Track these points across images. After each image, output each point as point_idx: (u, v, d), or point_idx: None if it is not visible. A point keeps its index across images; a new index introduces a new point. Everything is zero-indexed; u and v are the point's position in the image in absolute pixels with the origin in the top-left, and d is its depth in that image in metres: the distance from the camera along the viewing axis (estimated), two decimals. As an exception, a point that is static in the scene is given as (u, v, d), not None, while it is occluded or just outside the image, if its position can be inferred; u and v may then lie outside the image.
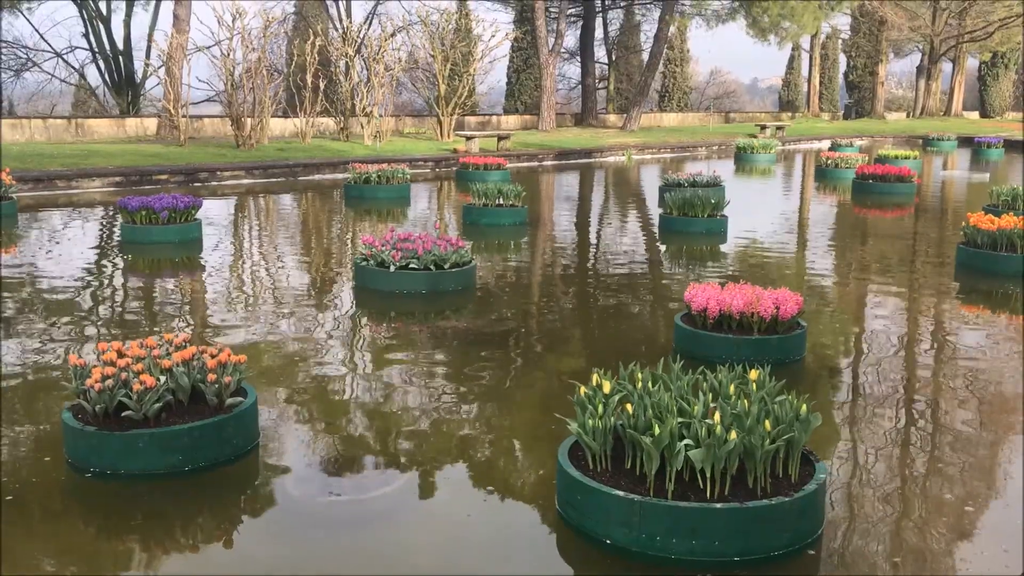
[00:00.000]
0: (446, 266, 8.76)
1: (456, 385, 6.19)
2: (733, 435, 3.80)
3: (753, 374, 4.48)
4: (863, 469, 4.81)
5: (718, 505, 3.76)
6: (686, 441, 3.82)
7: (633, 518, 3.79)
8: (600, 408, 4.10)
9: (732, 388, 4.34)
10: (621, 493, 3.84)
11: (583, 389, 4.30)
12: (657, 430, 3.83)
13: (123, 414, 4.59)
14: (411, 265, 8.68)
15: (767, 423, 3.94)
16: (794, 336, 6.59)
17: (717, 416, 3.93)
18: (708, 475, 3.83)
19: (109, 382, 4.60)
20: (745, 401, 4.14)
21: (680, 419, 3.97)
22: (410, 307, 8.43)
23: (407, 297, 8.60)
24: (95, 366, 4.75)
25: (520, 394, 6.10)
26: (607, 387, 4.25)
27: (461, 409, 5.70)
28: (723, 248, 11.94)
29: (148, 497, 4.41)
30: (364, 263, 8.88)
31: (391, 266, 8.66)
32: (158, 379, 4.69)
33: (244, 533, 4.15)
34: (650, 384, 4.37)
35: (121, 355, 4.93)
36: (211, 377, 4.77)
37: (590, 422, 4.05)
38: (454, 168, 22.03)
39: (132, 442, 4.53)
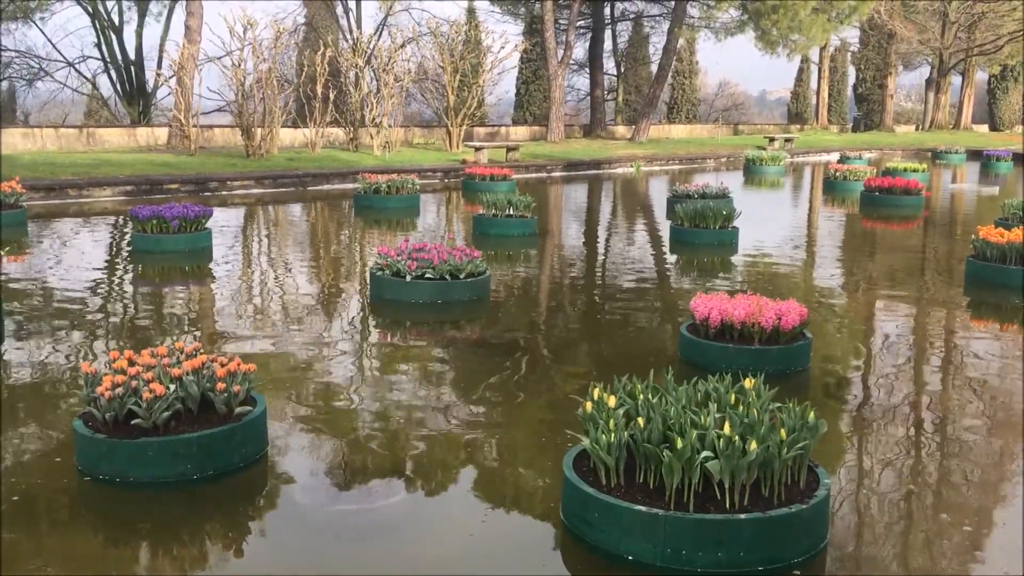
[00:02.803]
0: (461, 276, 8.79)
1: (467, 395, 6.20)
2: (754, 445, 3.81)
3: (748, 383, 4.49)
4: (865, 478, 4.81)
5: (742, 516, 3.77)
6: (705, 453, 3.83)
7: (658, 533, 3.78)
8: (611, 423, 4.09)
9: (733, 398, 4.35)
10: (644, 508, 3.83)
11: (589, 404, 4.30)
12: (680, 443, 3.83)
13: (133, 422, 4.61)
14: (426, 275, 8.72)
15: (782, 432, 3.95)
16: (796, 347, 6.60)
17: (727, 427, 3.94)
18: (726, 486, 3.84)
19: (119, 390, 4.63)
20: (755, 410, 4.14)
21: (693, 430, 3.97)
22: (425, 316, 8.46)
23: (422, 307, 8.62)
24: (106, 374, 4.77)
25: (531, 405, 6.10)
26: (612, 401, 4.24)
27: (470, 420, 5.70)
28: (733, 260, 11.94)
29: (157, 505, 4.43)
30: (380, 273, 8.92)
31: (407, 276, 8.69)
32: (168, 387, 4.71)
33: (252, 541, 4.16)
34: (650, 396, 4.36)
35: (132, 363, 4.95)
36: (220, 386, 4.79)
37: (603, 437, 4.04)
38: (462, 179, 22.09)
39: (141, 450, 4.55)
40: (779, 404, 4.32)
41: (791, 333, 6.59)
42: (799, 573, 3.81)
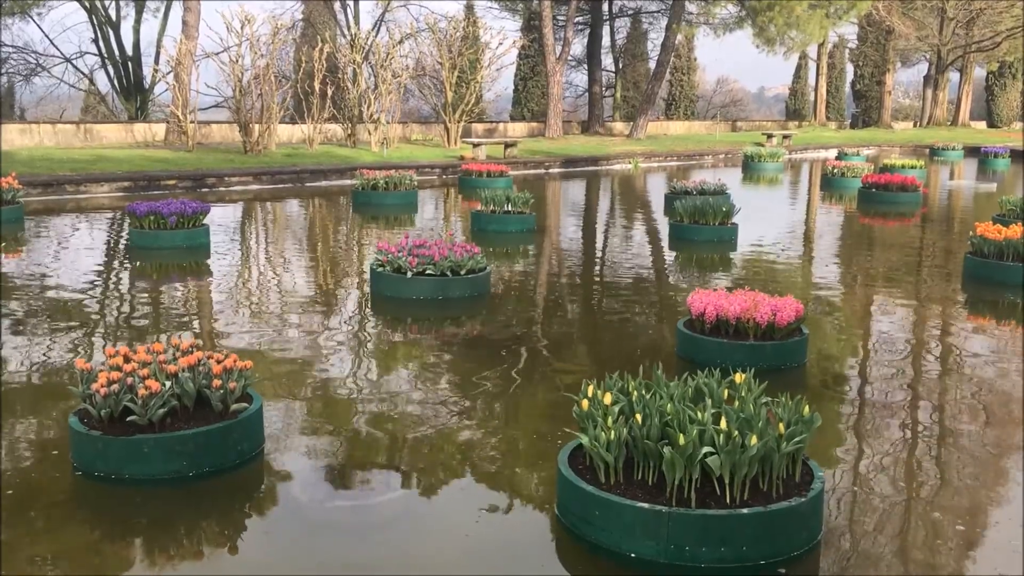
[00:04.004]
0: (462, 272, 8.79)
1: (466, 392, 6.19)
2: (754, 440, 3.81)
3: (738, 377, 4.49)
4: (860, 472, 4.80)
5: (745, 511, 3.78)
6: (706, 449, 3.83)
7: (661, 530, 3.78)
8: (610, 420, 4.08)
9: (726, 393, 4.36)
10: (647, 505, 3.82)
11: (585, 403, 4.29)
12: (683, 440, 3.83)
13: (128, 419, 4.59)
14: (427, 271, 8.71)
15: (780, 426, 3.96)
16: (791, 343, 6.60)
17: (723, 422, 3.94)
18: (726, 481, 3.84)
19: (115, 387, 4.61)
20: (750, 405, 4.15)
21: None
22: (426, 313, 8.45)
23: (423, 303, 8.62)
24: (101, 371, 4.75)
25: (529, 402, 6.09)
26: (608, 398, 4.23)
27: (469, 416, 5.69)
28: (732, 256, 11.94)
29: (153, 502, 4.42)
30: (381, 269, 8.91)
31: (408, 272, 8.68)
32: (163, 384, 4.70)
33: (248, 539, 4.15)
34: (644, 392, 4.36)
35: (127, 360, 4.94)
36: (216, 383, 4.78)
37: (603, 435, 4.02)
38: (459, 175, 22.07)
39: (137, 447, 4.53)
40: (769, 399, 4.32)
41: (787, 329, 6.59)
42: (784, 571, 3.81)
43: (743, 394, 4.32)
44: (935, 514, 4.41)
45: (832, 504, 4.40)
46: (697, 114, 53.27)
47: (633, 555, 3.84)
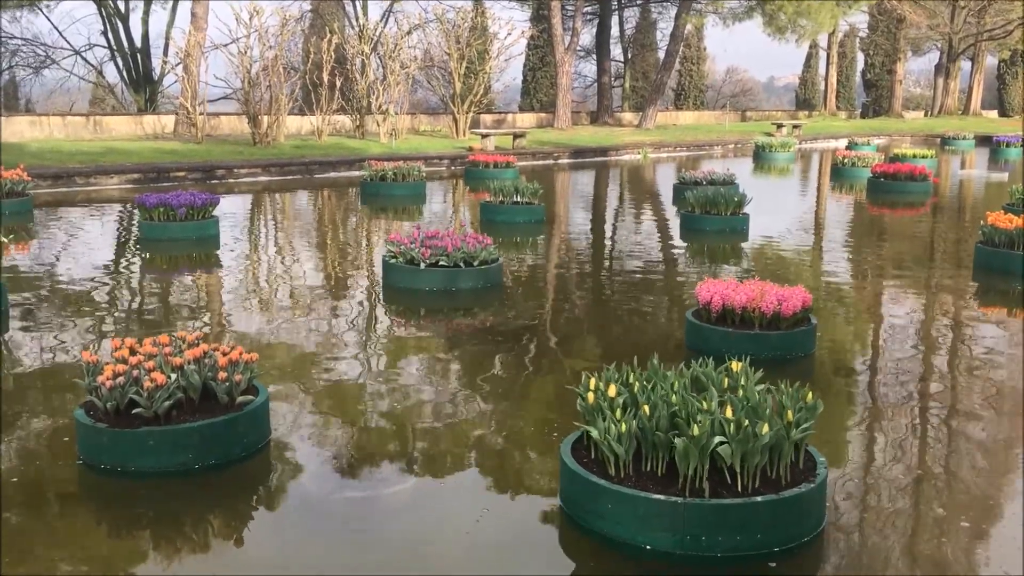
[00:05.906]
0: (475, 263, 8.76)
1: (476, 383, 6.18)
2: (765, 429, 3.80)
3: (735, 366, 4.47)
4: (865, 459, 4.78)
5: (759, 499, 3.78)
6: (718, 438, 3.81)
7: (676, 521, 3.76)
8: (619, 413, 4.06)
9: (725, 381, 4.35)
10: (662, 497, 3.80)
11: (591, 396, 4.26)
12: (697, 430, 3.81)
13: (134, 411, 4.59)
14: (440, 262, 8.69)
15: (789, 414, 3.96)
16: (799, 332, 6.57)
17: (728, 410, 3.92)
18: (737, 470, 3.84)
19: (120, 379, 4.61)
20: (755, 394, 4.13)
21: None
22: (438, 304, 8.44)
23: (435, 294, 8.60)
24: (107, 363, 4.75)
25: (539, 395, 6.08)
26: (612, 391, 4.20)
27: (478, 408, 5.68)
28: (744, 246, 11.89)
29: (159, 495, 4.41)
30: (393, 260, 8.90)
31: (421, 263, 8.66)
32: (169, 377, 4.69)
33: (254, 531, 4.15)
34: (646, 383, 4.33)
35: (133, 352, 4.94)
36: (222, 375, 4.77)
37: (613, 428, 3.99)
38: (465, 166, 22.04)
39: (142, 440, 4.53)
40: (771, 387, 4.30)
41: (793, 319, 6.56)
42: (774, 564, 3.79)
43: (743, 382, 4.30)
44: (939, 510, 4.38)
45: (837, 491, 4.38)
46: (707, 104, 53.10)
47: (648, 547, 3.82)
